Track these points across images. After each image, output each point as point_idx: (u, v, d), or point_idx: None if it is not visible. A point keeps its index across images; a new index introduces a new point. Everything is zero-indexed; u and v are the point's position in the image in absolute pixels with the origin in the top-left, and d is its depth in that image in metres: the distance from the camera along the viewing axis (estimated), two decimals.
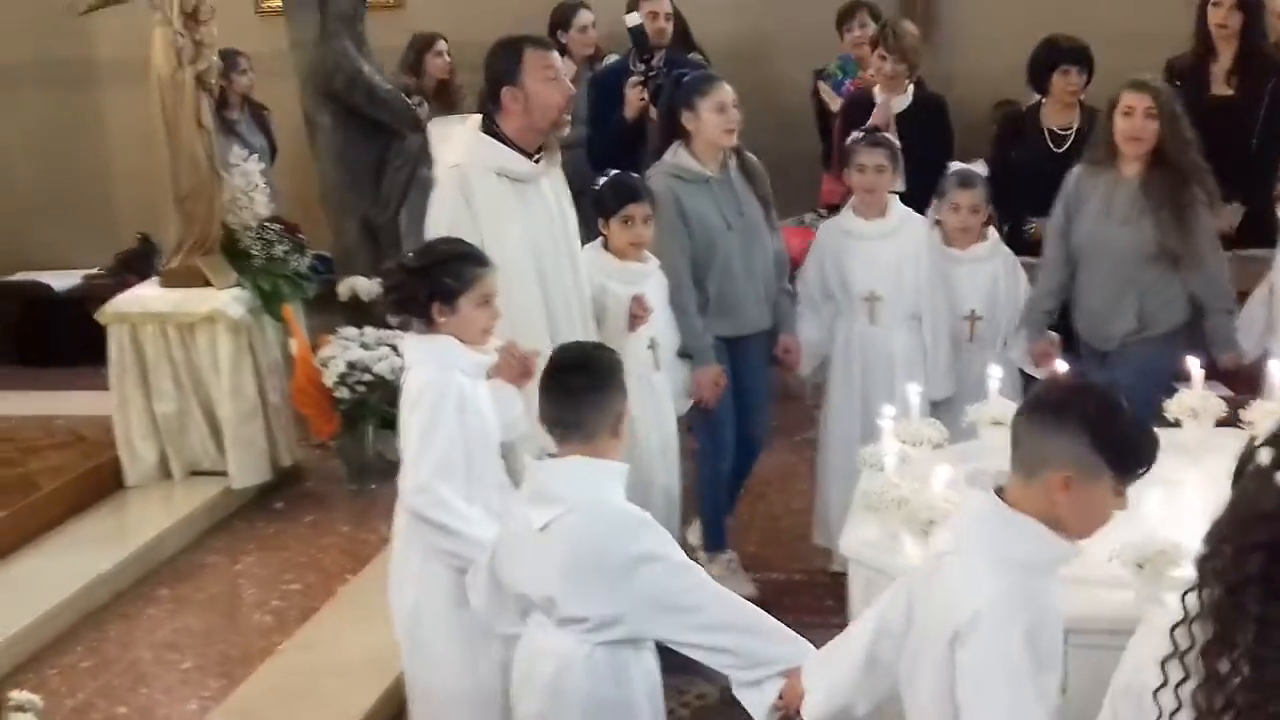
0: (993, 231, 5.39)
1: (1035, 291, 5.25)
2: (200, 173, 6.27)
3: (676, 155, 5.10)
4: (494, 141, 4.23)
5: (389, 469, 6.46)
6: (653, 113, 6.04)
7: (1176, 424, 4.13)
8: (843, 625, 3.48)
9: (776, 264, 5.29)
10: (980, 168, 5.48)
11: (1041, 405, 2.62)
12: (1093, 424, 2.53)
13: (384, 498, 6.31)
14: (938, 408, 4.92)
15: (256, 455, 6.33)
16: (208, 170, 6.30)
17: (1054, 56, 6.28)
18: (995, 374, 4.32)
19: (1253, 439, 2.09)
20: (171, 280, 6.39)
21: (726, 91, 5.02)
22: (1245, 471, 2.06)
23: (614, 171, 4.99)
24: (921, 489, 3.62)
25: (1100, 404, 2.57)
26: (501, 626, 3.38)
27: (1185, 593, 2.09)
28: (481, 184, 4.16)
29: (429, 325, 3.63)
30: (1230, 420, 4.14)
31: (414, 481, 3.56)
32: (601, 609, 3.02)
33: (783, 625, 3.15)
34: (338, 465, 6.61)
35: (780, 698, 3.04)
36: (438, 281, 3.59)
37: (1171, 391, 4.31)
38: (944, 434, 4.14)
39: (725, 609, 3.08)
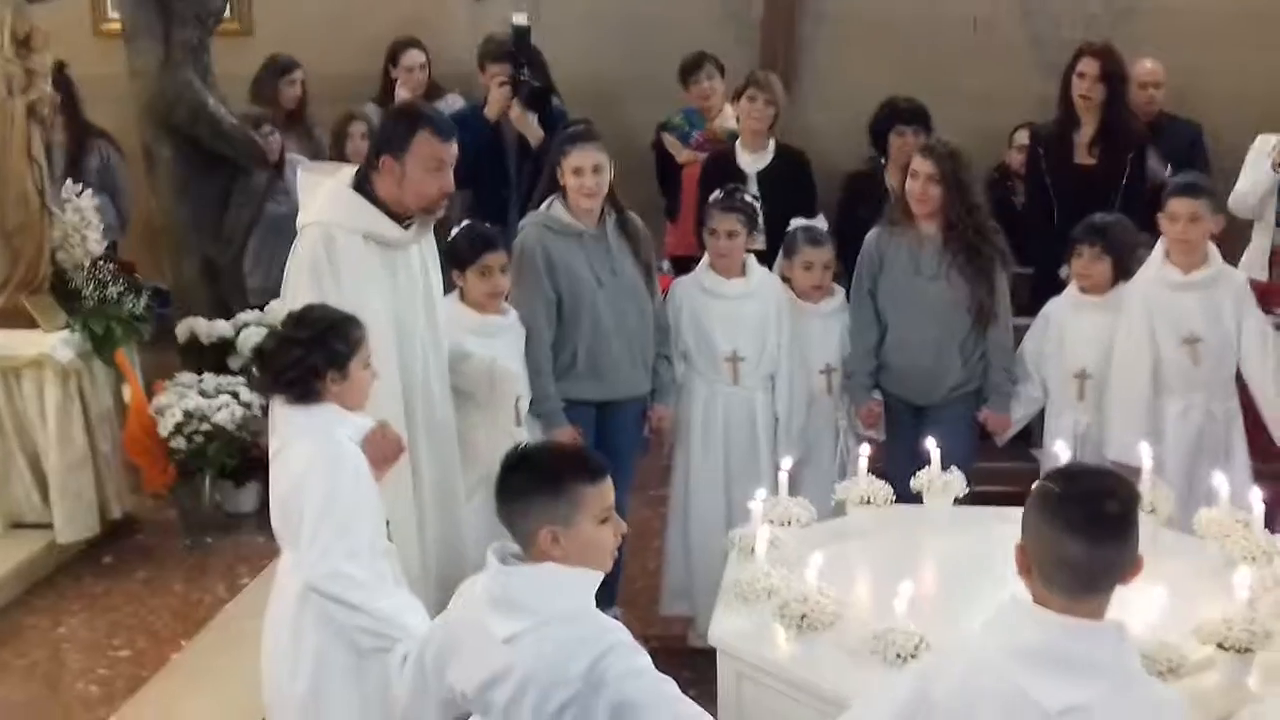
0: (839, 287, 5.39)
1: (852, 356, 5.26)
2: (29, 208, 5.92)
3: (552, 207, 4.99)
4: (365, 203, 3.98)
5: (227, 523, 6.25)
6: (513, 111, 6.53)
7: None
8: (700, 699, 3.28)
9: (657, 328, 5.16)
10: (820, 223, 5.51)
11: (1105, 521, 2.43)
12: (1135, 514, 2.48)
13: (221, 554, 6.09)
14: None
15: (84, 508, 5.96)
16: (37, 205, 5.94)
17: (890, 118, 6.37)
18: (864, 451, 4.26)
19: None
20: None
21: (588, 155, 4.86)
22: None
23: (467, 222, 4.92)
24: (792, 577, 3.53)
25: (1134, 491, 2.51)
26: None
27: None
28: (348, 245, 3.93)
29: (311, 396, 3.45)
30: None
31: (321, 564, 3.36)
32: None
33: None
34: (172, 518, 6.28)
35: None
36: (331, 349, 3.46)
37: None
38: (812, 513, 4.06)
39: None
